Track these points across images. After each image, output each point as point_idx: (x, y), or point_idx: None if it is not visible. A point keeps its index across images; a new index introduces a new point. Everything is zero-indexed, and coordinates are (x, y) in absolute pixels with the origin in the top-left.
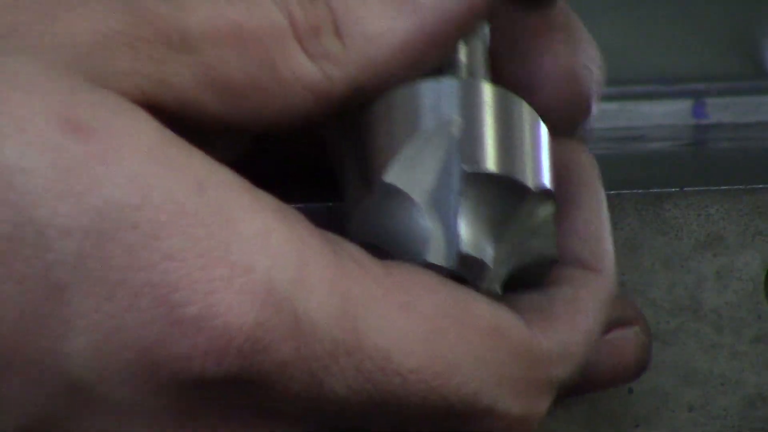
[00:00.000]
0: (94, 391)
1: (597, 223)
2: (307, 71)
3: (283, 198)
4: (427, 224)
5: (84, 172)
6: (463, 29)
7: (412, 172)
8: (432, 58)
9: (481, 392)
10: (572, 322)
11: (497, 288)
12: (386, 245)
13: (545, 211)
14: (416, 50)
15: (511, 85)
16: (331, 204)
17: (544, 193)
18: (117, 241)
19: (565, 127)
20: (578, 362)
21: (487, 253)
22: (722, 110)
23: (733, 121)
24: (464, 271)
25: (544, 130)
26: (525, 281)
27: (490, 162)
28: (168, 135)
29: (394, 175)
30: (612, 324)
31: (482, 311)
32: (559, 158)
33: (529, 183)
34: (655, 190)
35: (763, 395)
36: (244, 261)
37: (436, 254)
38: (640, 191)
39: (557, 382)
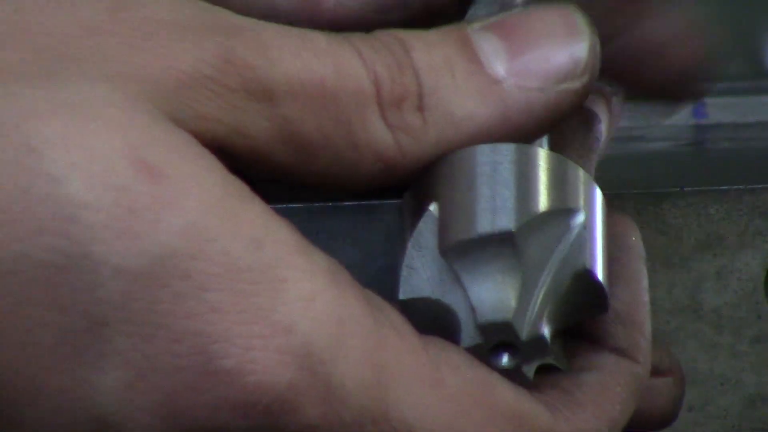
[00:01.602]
0: (119, 426)
1: (638, 309)
2: (382, 139)
3: (283, 198)
4: (451, 313)
5: (146, 215)
6: (545, 129)
7: (420, 276)
8: None
9: None
10: (597, 411)
11: (541, 331)
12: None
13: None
14: (495, 138)
15: (622, 55)
16: (331, 204)
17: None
18: (167, 287)
19: (685, 86)
20: None
21: (508, 310)
22: (722, 110)
23: (733, 121)
24: (497, 337)
25: (597, 193)
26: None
27: (473, 227)
28: (233, 186)
29: (406, 292)
30: None
31: (507, 396)
32: (610, 234)
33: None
34: (655, 190)
35: (763, 395)
36: (286, 322)
37: (467, 337)
38: (640, 191)
39: None
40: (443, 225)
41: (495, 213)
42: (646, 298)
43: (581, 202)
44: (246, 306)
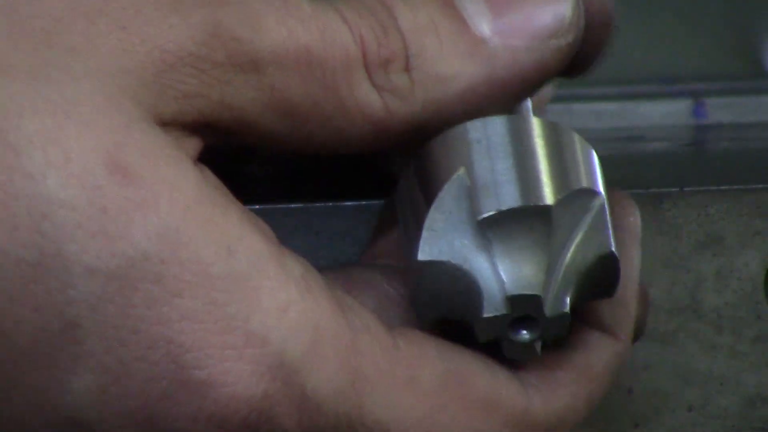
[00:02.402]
0: (93, 429)
1: (626, 287)
2: (370, 101)
3: (284, 198)
4: (472, 281)
5: (120, 216)
6: (532, 87)
7: (441, 239)
8: (497, 106)
9: None
10: (576, 389)
11: (565, 308)
12: (446, 310)
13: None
14: (482, 97)
15: None
16: (331, 204)
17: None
18: (140, 290)
19: (590, 41)
20: (575, 426)
21: (537, 285)
22: (722, 110)
23: (733, 121)
24: (523, 310)
25: (595, 159)
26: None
27: (512, 198)
28: (209, 191)
29: (426, 253)
30: None
31: (481, 383)
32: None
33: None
34: (655, 190)
35: (763, 395)
36: (260, 332)
37: (490, 307)
38: (640, 191)
39: None
40: (479, 192)
41: (535, 186)
42: (636, 276)
43: (599, 181)
44: (219, 315)
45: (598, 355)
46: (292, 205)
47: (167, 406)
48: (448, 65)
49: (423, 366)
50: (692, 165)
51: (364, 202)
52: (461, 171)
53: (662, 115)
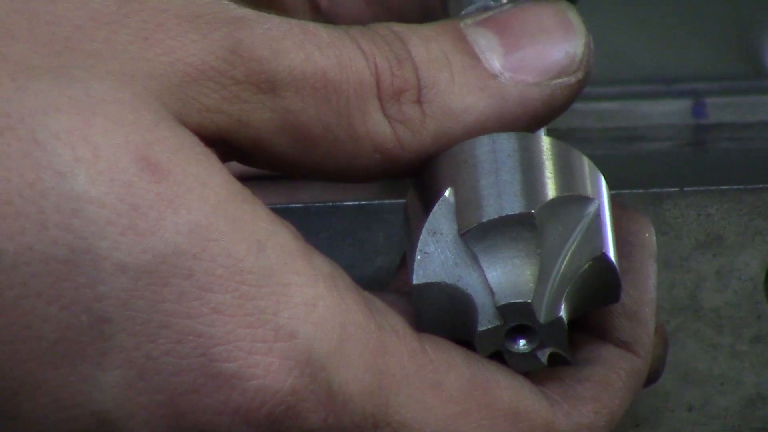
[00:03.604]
0: (120, 424)
1: (645, 304)
2: (381, 131)
3: (284, 198)
4: (467, 297)
5: (151, 212)
6: (540, 123)
7: (435, 260)
8: None
9: None
10: (597, 406)
11: (559, 314)
12: (449, 330)
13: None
14: (492, 131)
15: None
16: (331, 204)
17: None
18: (170, 285)
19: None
20: None
21: (527, 292)
22: (722, 110)
23: (733, 121)
24: (516, 319)
25: (603, 181)
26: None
27: (493, 210)
28: (236, 187)
29: (420, 276)
30: None
31: (506, 394)
32: (625, 230)
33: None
34: (655, 190)
35: (763, 395)
36: (290, 327)
37: (484, 320)
38: (640, 191)
39: None
40: (463, 208)
41: (517, 196)
42: (653, 295)
43: (593, 190)
44: (249, 309)
45: (617, 373)
46: (292, 205)
47: (194, 399)
48: (459, 99)
49: (449, 371)
50: (692, 165)
51: (364, 202)
52: (448, 191)
53: (662, 115)
